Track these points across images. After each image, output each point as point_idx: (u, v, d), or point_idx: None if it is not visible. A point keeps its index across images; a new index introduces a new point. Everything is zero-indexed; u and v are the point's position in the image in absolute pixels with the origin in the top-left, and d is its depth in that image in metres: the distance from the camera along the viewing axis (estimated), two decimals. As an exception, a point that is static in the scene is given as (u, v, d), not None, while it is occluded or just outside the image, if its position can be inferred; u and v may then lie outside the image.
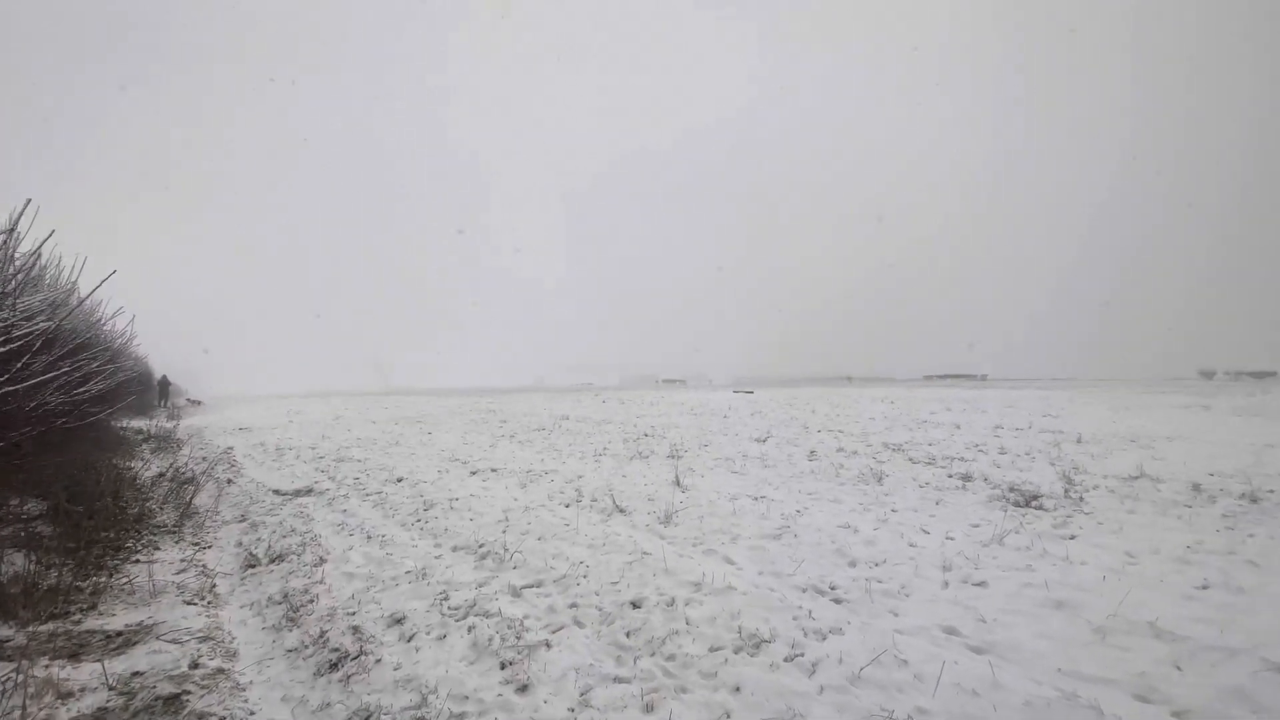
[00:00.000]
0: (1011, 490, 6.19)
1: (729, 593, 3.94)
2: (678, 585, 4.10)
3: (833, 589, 3.97)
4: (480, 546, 4.97)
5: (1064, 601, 3.60)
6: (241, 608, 4.12)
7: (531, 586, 4.16)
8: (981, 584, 3.89)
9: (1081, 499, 5.85)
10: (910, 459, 8.33)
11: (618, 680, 2.96)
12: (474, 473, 8.56)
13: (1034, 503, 5.82)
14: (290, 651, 3.44)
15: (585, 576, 4.29)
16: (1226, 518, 5.20)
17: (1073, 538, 4.80)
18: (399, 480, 8.08)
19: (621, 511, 6.05)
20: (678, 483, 7.21)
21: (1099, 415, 13.32)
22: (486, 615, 3.68)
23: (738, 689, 2.83)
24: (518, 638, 3.37)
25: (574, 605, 3.84)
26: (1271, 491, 5.93)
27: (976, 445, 9.28)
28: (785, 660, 3.09)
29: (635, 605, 3.82)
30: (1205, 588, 3.78)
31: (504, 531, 5.38)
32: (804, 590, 4.00)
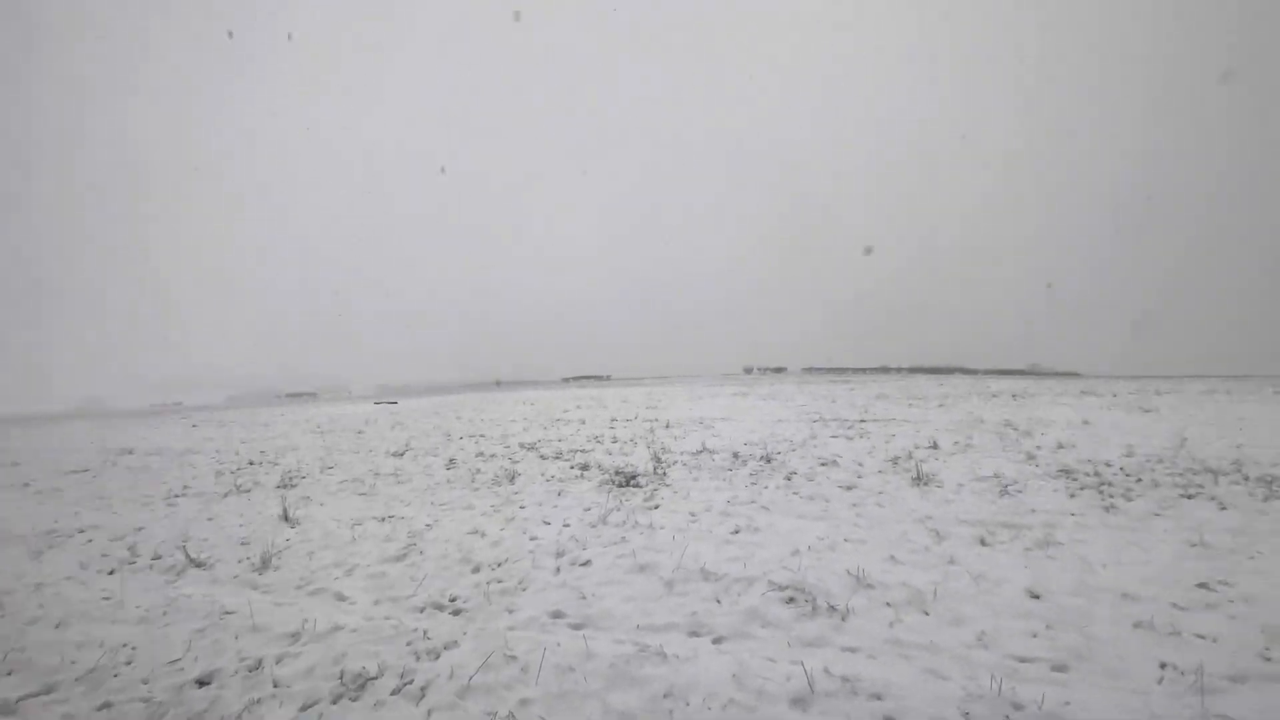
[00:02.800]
0: (617, 474, 7.17)
1: (335, 634, 3.46)
2: (268, 642, 3.42)
3: (453, 601, 3.87)
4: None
5: (646, 564, 4.26)
6: None
7: (36, 695, 2.91)
8: (587, 563, 4.33)
9: (665, 474, 7.15)
10: (541, 456, 8.91)
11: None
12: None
13: (632, 482, 6.84)
14: None
15: (129, 663, 3.21)
16: (752, 475, 7.02)
17: (656, 507, 5.79)
18: None
19: (198, 565, 4.79)
20: (285, 517, 6.10)
21: (682, 404, 16.71)
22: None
23: (327, 746, 2.45)
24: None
25: (106, 706, 2.82)
26: (779, 453, 8.29)
27: (596, 437, 10.52)
28: (393, 693, 2.83)
29: (203, 683, 3.02)
30: (737, 532, 4.97)
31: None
32: (422, 610, 3.78)
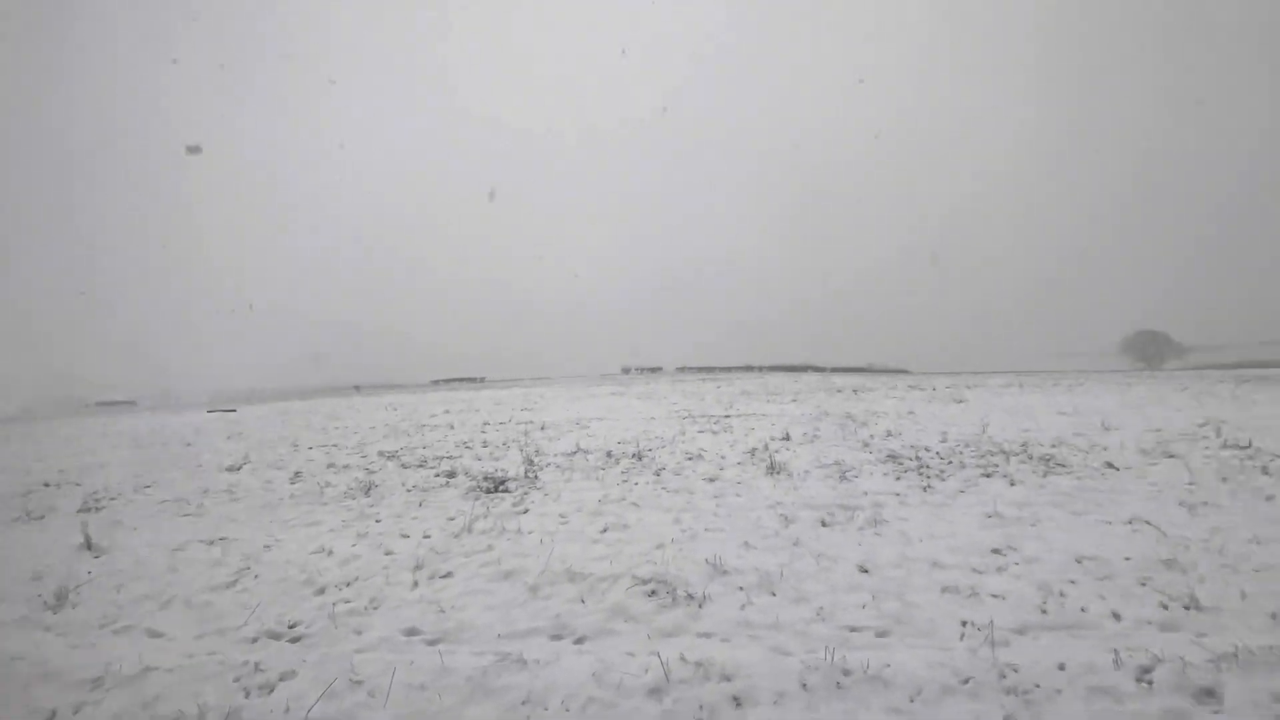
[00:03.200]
0: (486, 479, 6.94)
1: (147, 676, 3.02)
2: (64, 690, 2.92)
3: (292, 627, 3.52)
4: None
5: (511, 571, 4.16)
6: None
7: None
8: (448, 575, 4.14)
9: (536, 477, 7.04)
10: (403, 464, 8.39)
11: None
12: None
13: (502, 487, 6.66)
14: None
15: None
16: (624, 473, 7.13)
17: (526, 511, 5.68)
18: None
19: (-37, 609, 3.94)
20: (88, 545, 5.20)
21: (559, 406, 16.60)
22: None
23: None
24: None
25: None
26: (650, 450, 8.50)
27: (465, 443, 10.12)
28: (212, 738, 2.51)
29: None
30: (605, 530, 5.02)
31: None
32: (255, 640, 3.40)
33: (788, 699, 2.59)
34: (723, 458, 7.70)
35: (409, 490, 6.81)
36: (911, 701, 2.49)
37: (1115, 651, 2.73)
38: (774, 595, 3.55)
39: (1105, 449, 7.10)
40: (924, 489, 5.80)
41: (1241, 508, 4.68)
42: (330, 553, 4.74)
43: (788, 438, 9.05)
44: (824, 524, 4.86)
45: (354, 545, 4.90)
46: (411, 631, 3.36)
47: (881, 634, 3.07)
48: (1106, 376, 22.92)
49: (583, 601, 3.68)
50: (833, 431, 9.72)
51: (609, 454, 8.27)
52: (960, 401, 14.20)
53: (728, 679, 2.70)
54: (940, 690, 2.53)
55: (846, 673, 2.68)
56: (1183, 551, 3.83)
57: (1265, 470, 5.66)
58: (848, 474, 6.52)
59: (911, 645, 2.93)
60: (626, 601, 3.59)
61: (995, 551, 4.10)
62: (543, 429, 11.43)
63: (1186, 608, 3.14)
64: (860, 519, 4.95)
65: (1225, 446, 6.77)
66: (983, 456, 7.13)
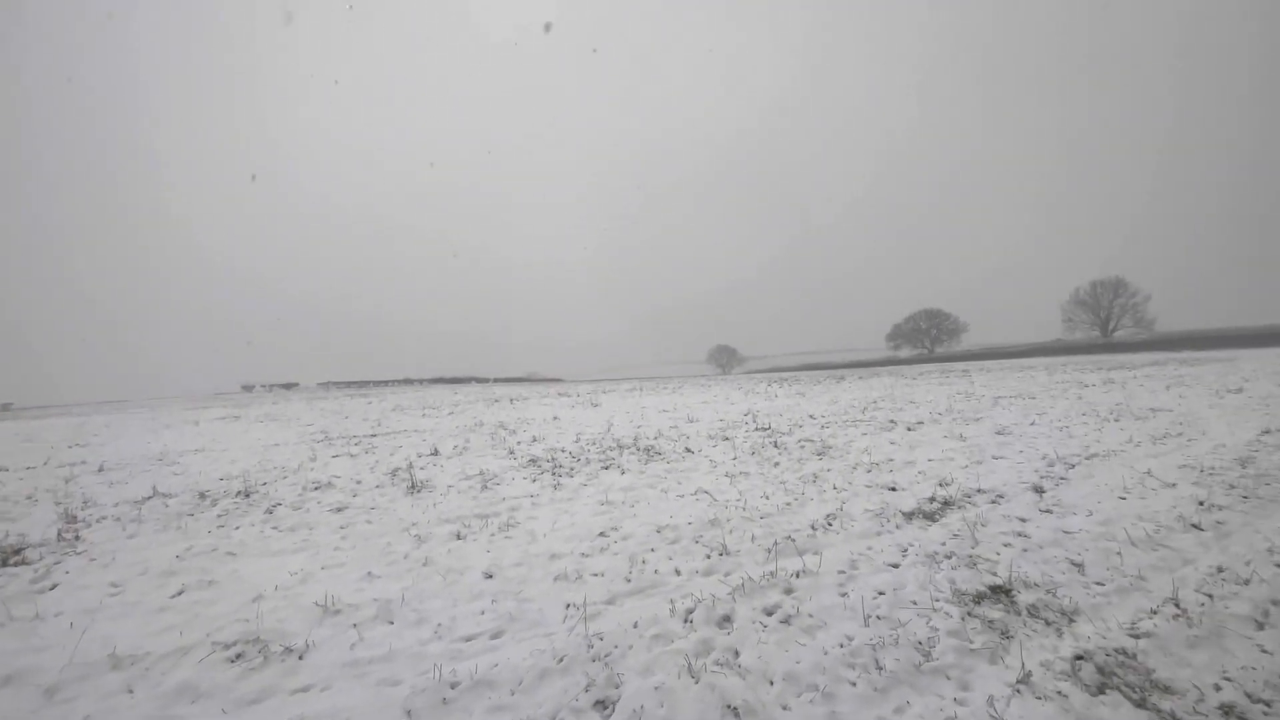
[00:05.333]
0: (-20, 555, 4.84)
1: None
2: None
3: None
4: None
5: (14, 674, 2.99)
6: None
7: None
8: None
9: (79, 536, 5.23)
10: None
11: None
12: None
13: (15, 558, 4.74)
14: None
15: None
16: (222, 516, 5.86)
17: (55, 587, 4.17)
18: None
19: None
20: None
21: (136, 436, 12.77)
22: None
23: None
24: None
25: None
26: (265, 484, 7.19)
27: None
28: None
29: None
30: (181, 592, 4.02)
31: None
32: None
33: (392, 731, 2.48)
34: (358, 482, 7.04)
35: None
36: (513, 694, 2.66)
37: (672, 601, 3.44)
38: (392, 624, 3.38)
39: (688, 437, 8.98)
40: (555, 487, 6.35)
41: (760, 473, 6.48)
42: None
43: (436, 453, 8.83)
44: (458, 537, 4.87)
45: None
46: None
47: (495, 635, 3.21)
48: (698, 380, 29.14)
49: (130, 691, 2.86)
50: (483, 442, 9.88)
51: (203, 495, 6.70)
52: (596, 405, 16.13)
53: (323, 732, 2.44)
54: (539, 675, 2.77)
55: (454, 685, 2.71)
56: (722, 510, 5.09)
57: (776, 445, 7.98)
58: (490, 483, 6.70)
59: (520, 639, 3.15)
60: (197, 677, 2.93)
61: (602, 535, 4.74)
62: (101, 470, 8.59)
63: (721, 555, 4.16)
64: (494, 525, 5.13)
65: (757, 429, 9.30)
66: (605, 452, 8.21)
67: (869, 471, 6.29)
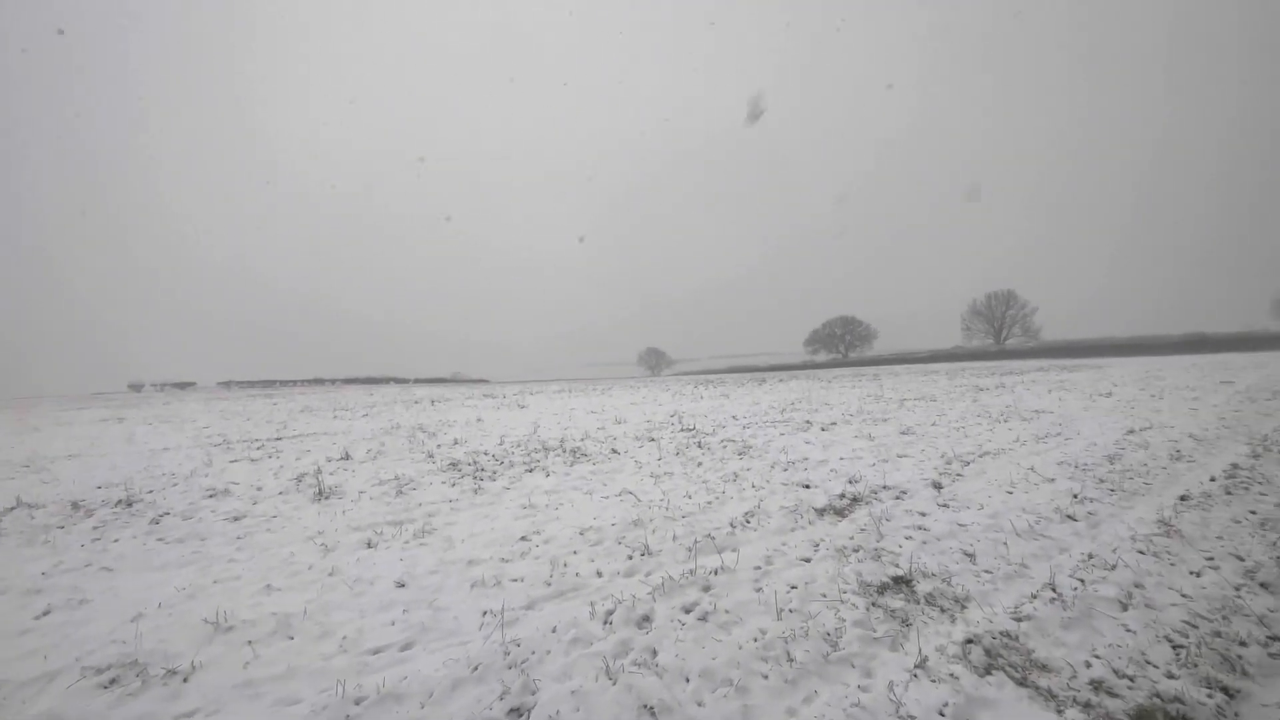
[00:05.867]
0: None
1: None
2: None
3: None
4: None
5: None
6: None
7: None
8: None
9: (-85, 560, 4.58)
10: None
11: None
12: None
13: None
14: None
15: None
16: (98, 528, 5.30)
17: (-119, 619, 3.62)
18: None
19: None
20: None
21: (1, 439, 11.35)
22: None
23: None
24: None
25: None
26: (151, 492, 6.57)
27: None
28: None
29: None
30: (47, 613, 3.61)
31: None
32: None
33: (288, 754, 2.32)
34: (259, 489, 6.57)
35: None
36: (423, 707, 2.56)
37: (592, 604, 3.43)
38: (292, 639, 3.17)
39: (615, 439, 8.99)
40: (475, 491, 6.18)
41: (684, 473, 6.59)
42: None
43: (347, 457, 8.38)
44: (369, 545, 4.64)
45: None
46: None
47: (406, 646, 3.08)
48: (627, 382, 29.29)
49: (-22, 729, 2.53)
50: (400, 445, 9.47)
51: (76, 504, 6.04)
52: (523, 407, 15.85)
53: (208, 760, 2.25)
54: (451, 685, 2.68)
55: (359, 700, 2.57)
56: (646, 511, 5.14)
57: (700, 445, 8.14)
58: (405, 488, 6.43)
59: (433, 649, 3.04)
60: (63, 706, 2.63)
61: (523, 539, 4.65)
62: (-50, 482, 7.56)
63: (643, 555, 4.19)
64: (409, 532, 4.92)
65: (682, 430, 9.46)
66: (529, 454, 8.08)
67: (785, 470, 6.54)
